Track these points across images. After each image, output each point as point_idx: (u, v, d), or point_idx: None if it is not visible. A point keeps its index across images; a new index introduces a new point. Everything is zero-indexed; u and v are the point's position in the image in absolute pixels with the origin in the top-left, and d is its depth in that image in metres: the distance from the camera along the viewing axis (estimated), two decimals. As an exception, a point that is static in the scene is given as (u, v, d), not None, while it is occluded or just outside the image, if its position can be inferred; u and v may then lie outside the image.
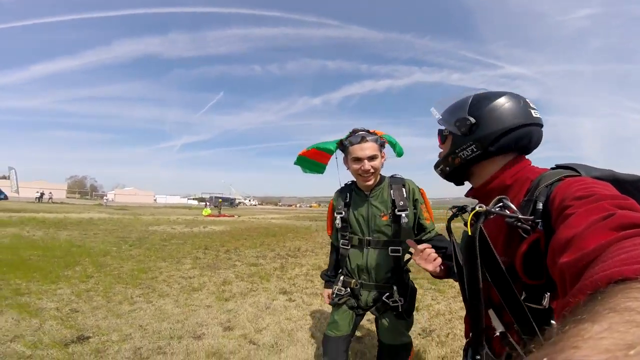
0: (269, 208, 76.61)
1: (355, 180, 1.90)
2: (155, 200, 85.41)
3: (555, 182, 0.78)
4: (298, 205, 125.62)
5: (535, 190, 0.80)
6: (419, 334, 3.29)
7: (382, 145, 1.80)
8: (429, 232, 1.80)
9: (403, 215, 1.73)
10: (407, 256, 1.81)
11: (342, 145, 1.82)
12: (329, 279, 2.04)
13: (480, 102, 0.97)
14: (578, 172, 0.81)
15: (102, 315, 3.47)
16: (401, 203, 1.75)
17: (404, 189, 1.80)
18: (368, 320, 3.29)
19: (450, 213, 1.10)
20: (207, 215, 24.30)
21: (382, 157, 1.81)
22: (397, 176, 1.89)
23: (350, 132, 1.81)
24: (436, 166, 1.11)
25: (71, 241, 8.65)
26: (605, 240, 0.48)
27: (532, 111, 0.94)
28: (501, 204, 0.84)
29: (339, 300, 1.86)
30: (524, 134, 0.93)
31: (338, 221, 1.87)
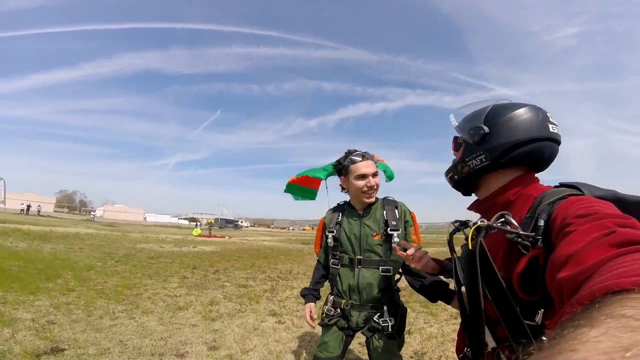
0: (261, 230, 75.64)
1: (347, 201, 1.92)
2: (145, 218, 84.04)
3: (558, 200, 0.78)
4: (291, 228, 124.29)
5: (538, 208, 0.80)
6: (411, 357, 3.17)
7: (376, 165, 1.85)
8: None
9: (395, 235, 1.73)
10: (397, 276, 1.81)
11: (339, 166, 1.83)
12: (309, 292, 1.99)
13: (498, 112, 0.95)
14: (581, 191, 0.81)
15: (81, 329, 3.29)
16: (394, 223, 1.76)
17: (396, 210, 1.82)
18: (359, 344, 3.16)
19: (452, 227, 1.08)
20: (197, 235, 23.90)
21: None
22: (389, 198, 1.91)
23: (346, 153, 1.84)
24: (446, 173, 1.09)
25: (55, 254, 8.40)
26: (604, 256, 0.49)
27: (551, 126, 0.91)
28: (503, 219, 0.83)
29: (329, 320, 1.82)
30: (536, 149, 0.90)
31: (330, 240, 1.85)
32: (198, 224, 33.29)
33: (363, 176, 1.74)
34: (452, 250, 1.12)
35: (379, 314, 1.73)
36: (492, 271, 0.80)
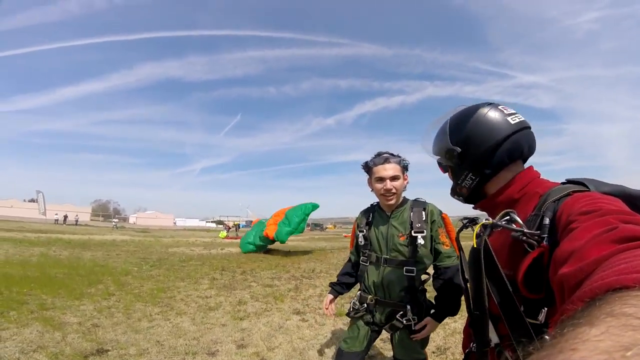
0: (286, 231, 76.46)
1: (378, 201, 1.97)
2: (175, 223, 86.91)
3: (563, 197, 0.78)
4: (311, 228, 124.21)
5: (543, 206, 0.80)
6: (434, 352, 3.25)
7: (405, 168, 1.87)
8: (444, 260, 1.82)
9: (419, 237, 1.77)
10: (424, 276, 1.88)
11: (367, 167, 1.92)
12: (332, 285, 2.14)
13: (457, 127, 0.97)
14: (587, 187, 0.80)
15: (122, 331, 3.59)
16: (418, 225, 1.79)
17: (423, 212, 1.84)
18: (382, 340, 3.27)
19: (461, 224, 1.09)
20: (224, 238, 24.54)
21: (405, 179, 1.88)
22: (420, 200, 1.95)
23: (375, 155, 1.91)
24: (452, 194, 1.11)
25: (95, 261, 8.95)
26: (605, 252, 0.48)
27: (510, 118, 0.93)
28: (508, 217, 0.84)
29: (355, 314, 1.92)
30: (513, 145, 0.91)
31: (361, 239, 1.96)
32: (225, 226, 34.05)
33: (381, 179, 1.82)
34: (459, 247, 1.16)
35: (401, 312, 1.80)
36: (496, 269, 0.80)
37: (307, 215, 12.30)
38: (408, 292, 1.81)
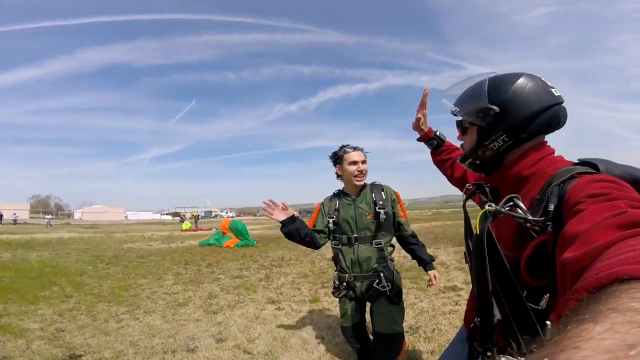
0: (247, 219, 75.33)
1: (341, 189, 2.29)
2: (126, 217, 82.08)
3: (568, 180, 0.76)
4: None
5: (548, 189, 0.77)
6: (406, 332, 3.44)
7: (365, 155, 2.20)
8: (406, 229, 2.25)
9: (382, 212, 2.10)
10: (390, 248, 2.21)
11: (335, 156, 2.23)
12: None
13: (499, 88, 0.92)
14: (598, 168, 0.79)
15: (90, 334, 3.41)
16: (381, 202, 2.13)
17: (382, 193, 2.19)
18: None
19: (468, 191, 1.08)
20: (184, 230, 23.70)
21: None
22: (376, 183, 2.28)
23: (341, 147, 2.21)
24: (464, 159, 1.05)
25: (43, 262, 8.30)
26: (611, 237, 0.47)
27: (553, 90, 0.91)
28: (512, 203, 0.82)
29: (338, 294, 2.19)
30: (553, 115, 0.90)
31: (331, 224, 2.18)
32: (183, 218, 32.78)
33: (354, 162, 2.12)
34: (466, 216, 1.13)
35: (377, 280, 2.07)
36: (498, 257, 0.80)
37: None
38: (379, 262, 2.10)
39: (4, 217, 38.70)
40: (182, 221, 29.19)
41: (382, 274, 2.07)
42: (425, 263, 2.25)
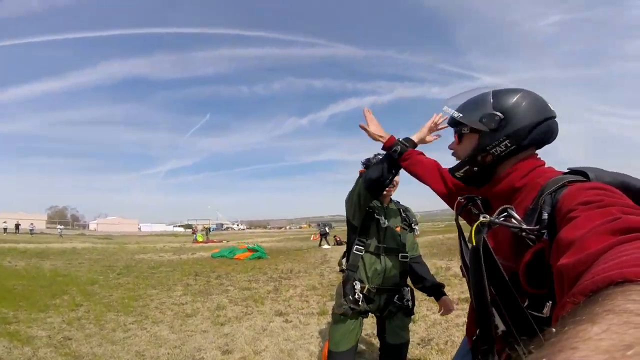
0: (257, 231, 75.58)
1: None
2: (139, 228, 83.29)
3: (559, 188, 0.77)
4: (287, 227, 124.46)
5: (540, 198, 0.78)
6: (418, 344, 3.34)
7: None
8: (417, 249, 2.20)
9: (416, 229, 2.13)
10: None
11: (368, 162, 2.06)
12: None
13: (503, 98, 0.95)
14: (588, 177, 0.79)
15: (97, 343, 3.40)
16: (413, 219, 2.16)
17: (408, 213, 2.18)
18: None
19: (459, 204, 1.08)
20: (197, 242, 23.85)
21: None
22: (396, 201, 2.22)
23: (375, 154, 2.03)
24: (458, 168, 1.04)
25: (56, 270, 8.41)
26: (606, 243, 0.48)
27: (549, 105, 0.95)
28: (505, 213, 0.83)
29: (352, 311, 1.85)
30: (549, 127, 0.94)
31: (383, 221, 1.97)
32: (195, 230, 33.05)
33: None
34: (459, 228, 1.11)
35: (398, 295, 1.96)
36: (496, 267, 0.79)
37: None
38: (402, 276, 2.01)
39: (21, 226, 39.62)
40: (193, 233, 29.40)
41: (404, 289, 1.99)
42: (440, 287, 2.11)
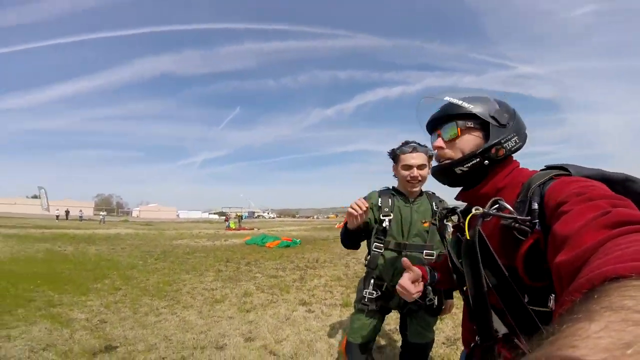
0: (287, 220, 76.94)
1: (394, 186, 2.05)
2: (177, 215, 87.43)
3: (548, 181, 0.78)
4: (315, 217, 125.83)
5: (528, 191, 0.79)
6: (444, 343, 3.25)
7: (430, 157, 1.89)
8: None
9: (449, 225, 1.82)
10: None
11: (393, 154, 1.97)
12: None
13: (502, 101, 0.99)
14: (569, 171, 0.80)
15: (129, 326, 3.61)
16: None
17: (440, 203, 1.96)
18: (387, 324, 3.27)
19: (440, 215, 1.12)
20: (229, 229, 24.71)
21: (430, 168, 1.90)
22: (431, 192, 2.05)
23: (402, 143, 1.95)
24: (463, 161, 0.95)
25: (100, 255, 9.02)
26: (600, 238, 0.48)
27: None
28: (497, 205, 0.83)
29: (368, 305, 1.91)
30: (526, 136, 0.99)
31: (387, 223, 1.89)
32: (228, 217, 34.22)
33: (409, 167, 1.87)
34: (442, 237, 1.16)
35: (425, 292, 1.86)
36: (493, 261, 0.79)
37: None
38: None
39: (71, 213, 42.82)
40: (226, 220, 30.50)
41: (427, 287, 1.80)
42: (452, 290, 1.95)
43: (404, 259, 1.28)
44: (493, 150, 0.93)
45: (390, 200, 1.96)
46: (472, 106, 0.96)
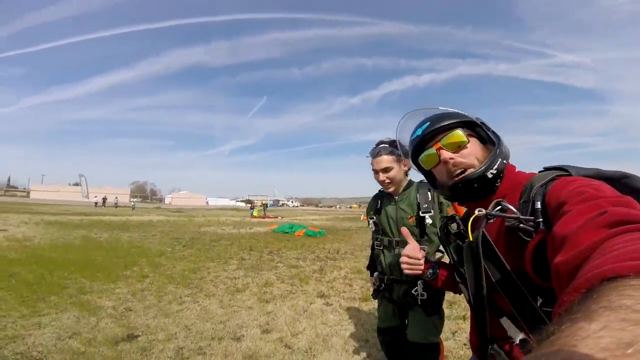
0: (310, 209, 77.55)
1: None
2: (207, 202, 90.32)
3: (549, 181, 0.77)
4: (337, 207, 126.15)
5: (531, 191, 0.78)
6: (465, 344, 3.14)
7: (399, 156, 1.90)
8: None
9: (427, 216, 1.86)
10: (438, 254, 1.94)
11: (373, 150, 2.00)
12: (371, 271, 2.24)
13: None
14: (569, 172, 0.79)
15: (153, 315, 3.74)
16: (425, 205, 1.88)
17: (429, 193, 1.91)
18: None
19: (441, 222, 1.12)
20: (253, 217, 25.26)
21: (405, 165, 1.94)
22: (424, 182, 1.92)
23: (376, 144, 1.97)
24: (486, 169, 0.87)
25: (132, 242, 9.46)
26: (597, 237, 0.48)
27: None
28: (500, 207, 0.82)
29: (376, 296, 2.11)
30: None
31: (371, 225, 2.09)
32: (253, 205, 35.00)
33: (375, 171, 1.94)
34: (444, 245, 1.14)
35: (415, 288, 1.88)
36: (497, 260, 0.79)
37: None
38: None
39: (107, 200, 45.10)
40: (251, 208, 31.24)
41: (419, 282, 1.87)
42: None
43: (403, 228, 1.34)
44: (499, 159, 0.89)
45: (378, 201, 2.08)
46: (474, 117, 0.97)
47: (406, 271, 1.19)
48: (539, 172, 0.86)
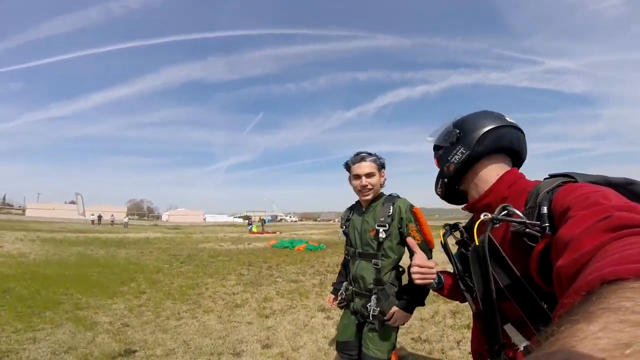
0: (308, 224, 77.20)
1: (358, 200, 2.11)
2: (204, 219, 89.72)
3: (556, 187, 0.78)
4: (336, 220, 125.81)
5: (537, 197, 0.79)
6: (470, 353, 3.08)
7: (381, 165, 1.97)
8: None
9: (381, 230, 1.85)
10: (393, 272, 1.91)
11: (347, 166, 2.03)
12: (335, 286, 2.22)
13: (462, 118, 1.09)
14: (575, 179, 0.81)
15: (150, 330, 3.66)
16: (382, 219, 1.87)
17: (391, 207, 1.89)
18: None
19: (443, 231, 1.14)
20: (251, 233, 25.06)
21: (382, 176, 1.98)
22: (393, 195, 2.01)
23: (354, 155, 2.01)
24: (436, 186, 1.15)
25: (128, 259, 9.32)
26: (599, 241, 0.49)
27: (507, 117, 1.04)
28: (506, 211, 0.83)
29: (339, 304, 2.08)
30: (502, 134, 1.00)
31: (341, 235, 2.13)
32: (251, 221, 34.77)
33: (357, 176, 1.93)
34: (448, 253, 1.14)
35: (369, 302, 1.88)
36: (504, 264, 0.79)
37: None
38: (376, 284, 1.89)
39: (103, 218, 44.66)
40: (249, 224, 31.03)
41: (373, 297, 1.87)
42: (403, 302, 1.80)
43: (408, 238, 1.39)
44: (445, 169, 1.07)
45: (349, 213, 2.11)
46: (432, 139, 1.16)
47: (417, 281, 1.16)
48: (545, 179, 0.87)
